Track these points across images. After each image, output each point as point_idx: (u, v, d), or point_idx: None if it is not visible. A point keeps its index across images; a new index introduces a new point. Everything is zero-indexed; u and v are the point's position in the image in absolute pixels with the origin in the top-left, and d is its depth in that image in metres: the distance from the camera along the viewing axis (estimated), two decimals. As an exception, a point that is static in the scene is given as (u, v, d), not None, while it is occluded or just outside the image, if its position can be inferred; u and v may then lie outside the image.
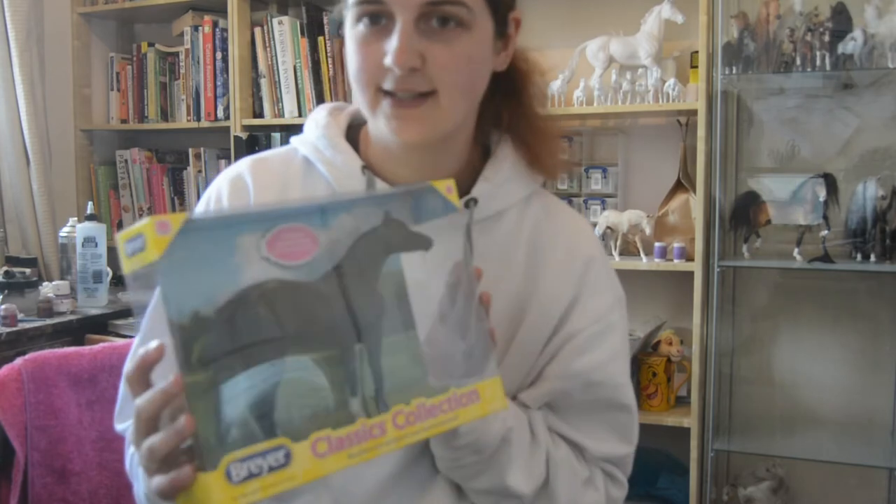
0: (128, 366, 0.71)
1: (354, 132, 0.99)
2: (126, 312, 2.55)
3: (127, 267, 0.65)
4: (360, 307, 0.72)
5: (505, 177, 0.97)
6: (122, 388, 0.98)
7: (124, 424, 0.99)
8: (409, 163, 0.94)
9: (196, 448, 0.63)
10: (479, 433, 0.86)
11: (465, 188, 0.95)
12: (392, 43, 0.83)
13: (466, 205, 0.94)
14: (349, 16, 0.89)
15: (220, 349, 0.64)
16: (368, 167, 0.95)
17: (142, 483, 0.82)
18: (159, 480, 0.65)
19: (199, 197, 1.04)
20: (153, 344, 0.68)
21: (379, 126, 0.89)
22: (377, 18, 0.85)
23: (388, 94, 0.86)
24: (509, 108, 0.98)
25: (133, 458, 0.93)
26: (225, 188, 0.98)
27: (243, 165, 1.00)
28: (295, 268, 0.68)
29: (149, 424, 0.67)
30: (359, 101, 0.91)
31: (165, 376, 0.66)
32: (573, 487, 0.95)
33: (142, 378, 0.69)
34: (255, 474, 0.63)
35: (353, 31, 0.88)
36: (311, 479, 0.66)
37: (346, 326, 0.71)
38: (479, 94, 0.92)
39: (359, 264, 0.72)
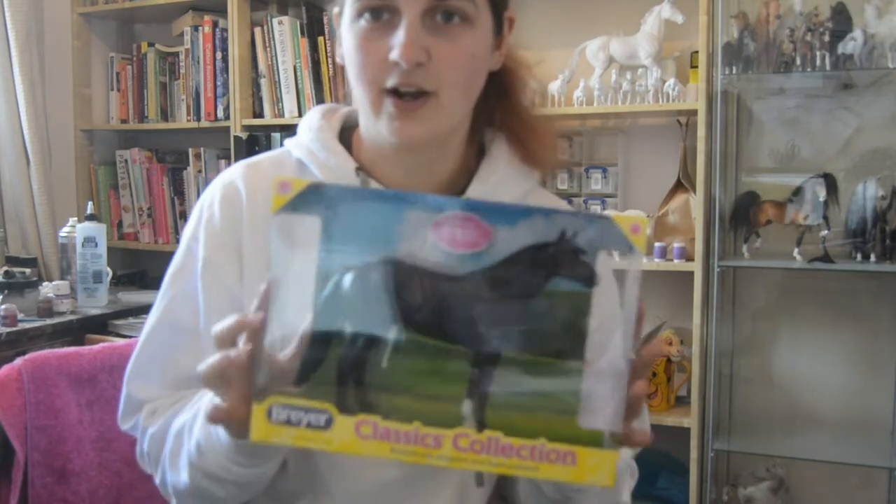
0: (219, 326, 0.72)
1: (348, 134, 0.99)
2: (126, 312, 2.55)
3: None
4: (499, 316, 0.69)
5: (500, 177, 0.97)
6: (126, 386, 0.98)
7: (130, 423, 0.98)
8: (404, 164, 0.94)
9: (258, 382, 0.69)
10: None
11: (459, 188, 0.95)
12: (399, 37, 0.83)
13: None
14: (348, 12, 0.88)
15: (340, 306, 0.68)
16: (362, 169, 0.95)
17: (195, 435, 0.83)
18: (218, 401, 0.72)
19: (199, 197, 1.03)
20: (253, 316, 0.69)
21: (379, 128, 0.88)
22: (379, 13, 0.85)
23: (391, 92, 0.86)
24: (502, 106, 0.98)
25: (161, 434, 0.92)
26: (217, 195, 0.97)
27: (236, 171, 0.99)
28: (455, 256, 0.68)
29: (225, 348, 0.72)
30: (359, 101, 0.90)
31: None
32: (624, 477, 0.99)
33: (231, 339, 0.71)
34: (293, 423, 0.68)
35: (353, 28, 0.87)
36: (345, 452, 0.68)
37: (474, 328, 0.69)
38: (477, 93, 0.92)
39: (517, 274, 0.69)
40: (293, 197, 0.68)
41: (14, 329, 2.21)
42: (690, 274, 2.29)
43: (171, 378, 0.95)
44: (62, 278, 2.60)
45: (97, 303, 2.54)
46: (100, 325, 2.48)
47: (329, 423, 0.68)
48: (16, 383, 1.37)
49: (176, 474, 0.88)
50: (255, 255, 0.94)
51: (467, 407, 0.68)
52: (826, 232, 2.21)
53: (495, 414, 0.68)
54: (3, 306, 2.24)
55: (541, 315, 0.69)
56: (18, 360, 1.40)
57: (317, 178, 0.96)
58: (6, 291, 2.34)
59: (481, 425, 0.67)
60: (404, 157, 0.93)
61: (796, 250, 2.24)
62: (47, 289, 2.44)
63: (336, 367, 0.68)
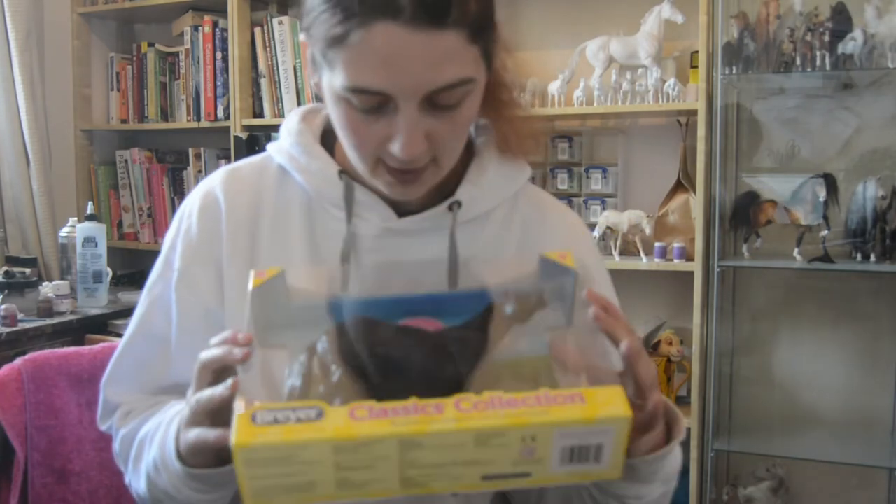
0: (206, 355, 0.73)
1: (331, 136, 0.94)
2: (126, 312, 2.55)
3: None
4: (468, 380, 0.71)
5: (489, 178, 0.95)
6: (103, 390, 0.98)
7: (107, 424, 0.99)
8: None
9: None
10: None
11: (448, 190, 0.93)
12: (398, 130, 0.78)
13: (450, 208, 0.92)
14: (330, 88, 0.81)
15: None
16: (346, 172, 0.93)
17: (153, 450, 0.83)
18: (200, 432, 0.72)
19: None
20: (239, 350, 0.71)
21: (375, 183, 0.87)
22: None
23: (389, 167, 0.83)
24: (487, 105, 0.94)
25: (129, 438, 0.92)
26: (196, 206, 0.96)
27: (216, 179, 0.98)
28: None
29: (209, 377, 0.73)
30: (351, 158, 0.87)
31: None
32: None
33: (215, 373, 0.73)
34: (280, 422, 0.62)
35: (340, 104, 0.81)
36: (341, 438, 0.61)
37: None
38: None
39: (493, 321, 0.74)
40: (266, 281, 0.76)
41: (14, 329, 2.21)
42: (690, 274, 2.29)
43: (145, 385, 0.96)
44: (62, 278, 2.60)
45: (97, 303, 2.54)
46: (100, 325, 2.48)
47: (320, 415, 0.62)
48: (16, 383, 1.37)
49: (137, 480, 0.89)
50: (235, 263, 0.93)
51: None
52: (826, 232, 2.21)
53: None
54: (3, 306, 2.24)
55: (506, 379, 0.71)
56: (18, 360, 1.40)
57: (298, 184, 0.95)
58: (6, 291, 2.34)
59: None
60: None
61: (796, 250, 2.24)
62: (47, 289, 2.44)
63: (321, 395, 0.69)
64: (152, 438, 0.85)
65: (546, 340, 0.73)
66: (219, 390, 0.71)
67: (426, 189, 0.87)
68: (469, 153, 0.97)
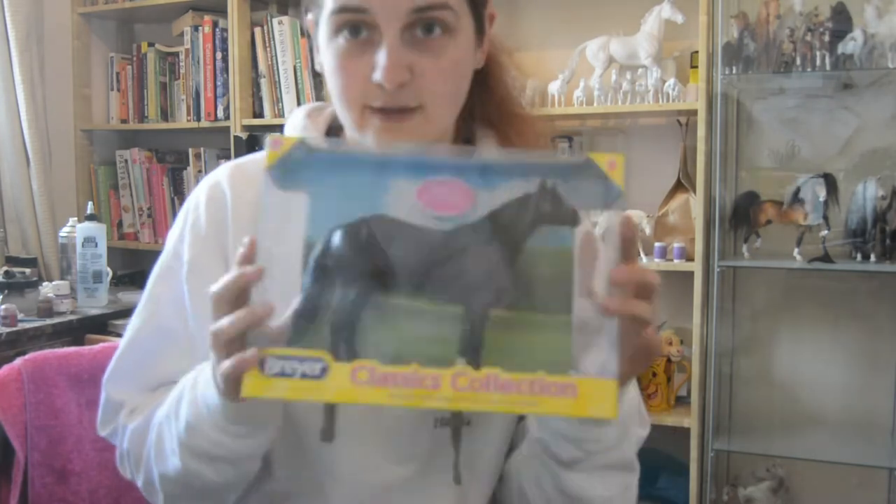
0: (218, 285, 0.72)
1: (335, 134, 0.97)
2: (126, 312, 2.54)
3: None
4: (488, 270, 0.70)
5: None
6: (104, 389, 0.98)
7: (109, 428, 0.98)
8: None
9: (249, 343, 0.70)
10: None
11: None
12: (380, 58, 0.81)
13: None
14: (325, 26, 0.85)
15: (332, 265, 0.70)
16: None
17: (183, 413, 0.83)
18: (226, 364, 0.71)
19: (198, 197, 1.03)
20: (251, 268, 0.71)
21: (365, 141, 0.87)
22: (357, 30, 0.82)
23: (376, 110, 0.84)
24: (486, 98, 0.96)
25: (142, 429, 0.91)
26: (203, 197, 0.97)
27: (222, 173, 0.98)
28: (442, 220, 0.71)
29: (224, 307, 0.72)
30: (342, 117, 0.89)
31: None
32: (631, 427, 0.94)
33: (236, 296, 0.71)
34: (287, 374, 0.68)
35: (331, 45, 0.85)
36: (343, 401, 0.69)
37: (463, 285, 0.70)
38: (464, 97, 0.91)
39: (504, 228, 0.71)
40: (283, 153, 0.72)
41: (14, 329, 2.21)
42: (690, 274, 2.29)
43: (151, 382, 0.95)
44: (62, 278, 2.60)
45: (97, 303, 2.54)
46: (100, 325, 2.48)
47: (324, 371, 0.68)
48: (16, 383, 1.37)
49: (163, 463, 0.87)
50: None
51: (461, 363, 0.69)
52: (826, 232, 2.21)
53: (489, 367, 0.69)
54: (3, 306, 2.24)
55: (527, 271, 0.70)
56: (18, 360, 1.40)
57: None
58: (6, 291, 2.34)
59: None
60: None
61: (796, 250, 2.24)
62: (47, 289, 2.44)
63: (329, 320, 0.69)
64: (177, 411, 0.84)
65: (572, 234, 0.71)
66: (240, 315, 0.71)
67: (415, 140, 0.86)
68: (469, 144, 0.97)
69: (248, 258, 0.71)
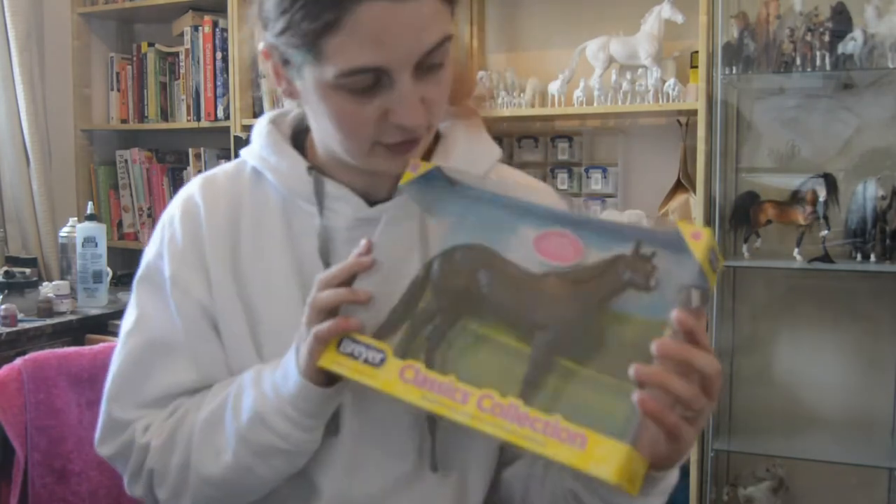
0: (331, 269, 0.81)
1: (302, 137, 0.99)
2: (126, 312, 2.54)
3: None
4: (563, 318, 0.74)
5: (457, 160, 0.94)
6: (106, 406, 0.96)
7: (111, 447, 0.96)
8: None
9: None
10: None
11: None
12: (398, 103, 0.80)
13: None
14: (324, 79, 0.81)
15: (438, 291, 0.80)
16: (315, 168, 0.94)
17: (248, 405, 0.86)
18: (324, 325, 0.79)
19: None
20: (367, 258, 0.80)
21: (365, 166, 0.88)
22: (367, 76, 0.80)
23: (389, 143, 0.84)
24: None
25: (175, 438, 0.91)
26: (177, 213, 0.98)
27: (194, 186, 1.00)
28: (544, 265, 0.77)
29: (322, 317, 0.80)
30: (339, 147, 0.87)
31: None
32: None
33: (342, 281, 0.80)
34: (354, 356, 0.78)
35: (332, 93, 0.82)
36: (386, 391, 0.75)
37: (536, 326, 0.75)
38: None
39: (588, 283, 0.74)
40: (419, 174, 0.84)
41: (14, 329, 2.21)
42: (690, 274, 2.28)
43: (155, 397, 0.94)
44: (62, 278, 2.60)
45: (97, 303, 2.54)
46: (100, 325, 2.48)
47: (382, 361, 0.77)
48: (16, 383, 1.37)
49: (207, 464, 0.88)
50: (218, 265, 0.94)
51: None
52: (826, 232, 2.21)
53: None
54: (3, 306, 2.25)
55: (605, 330, 0.72)
56: (18, 360, 1.40)
57: (271, 184, 0.97)
58: (6, 291, 2.34)
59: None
60: None
61: (796, 250, 2.24)
62: (47, 289, 2.44)
63: (413, 324, 0.78)
64: (235, 407, 0.87)
65: (670, 302, 0.70)
66: (342, 290, 0.80)
67: (412, 156, 0.87)
68: (435, 139, 0.98)
69: (365, 254, 0.80)
